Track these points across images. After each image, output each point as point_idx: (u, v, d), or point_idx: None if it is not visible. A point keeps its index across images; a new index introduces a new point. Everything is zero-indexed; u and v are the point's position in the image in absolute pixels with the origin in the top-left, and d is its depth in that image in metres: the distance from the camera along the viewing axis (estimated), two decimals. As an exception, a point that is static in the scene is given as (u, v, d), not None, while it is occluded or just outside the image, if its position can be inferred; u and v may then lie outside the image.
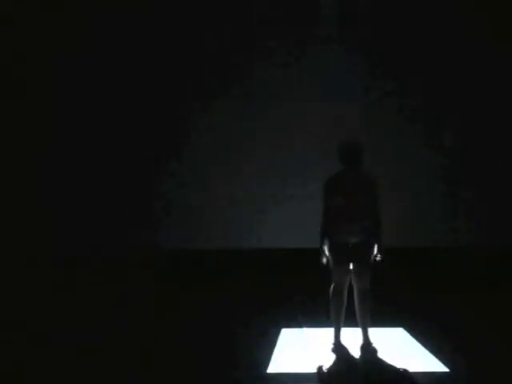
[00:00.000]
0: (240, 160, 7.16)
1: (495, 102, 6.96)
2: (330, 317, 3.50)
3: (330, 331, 3.56)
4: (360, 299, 3.42)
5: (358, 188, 3.40)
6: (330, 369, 3.14)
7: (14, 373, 3.19)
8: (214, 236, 7.11)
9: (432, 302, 5.19)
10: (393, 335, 3.93)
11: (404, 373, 3.05)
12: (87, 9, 7.01)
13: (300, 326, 4.23)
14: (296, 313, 4.68)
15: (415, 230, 6.90)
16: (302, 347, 3.61)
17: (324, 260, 3.49)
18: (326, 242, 3.44)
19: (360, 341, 3.46)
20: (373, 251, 3.40)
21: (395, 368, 3.13)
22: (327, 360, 3.29)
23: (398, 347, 3.60)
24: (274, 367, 3.18)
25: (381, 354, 3.36)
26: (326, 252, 3.46)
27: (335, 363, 3.25)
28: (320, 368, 3.14)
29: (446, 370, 3.10)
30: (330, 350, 3.48)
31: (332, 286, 3.49)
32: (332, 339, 3.52)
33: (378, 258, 3.38)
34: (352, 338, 3.57)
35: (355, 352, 3.41)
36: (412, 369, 3.10)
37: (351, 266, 3.43)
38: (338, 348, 3.47)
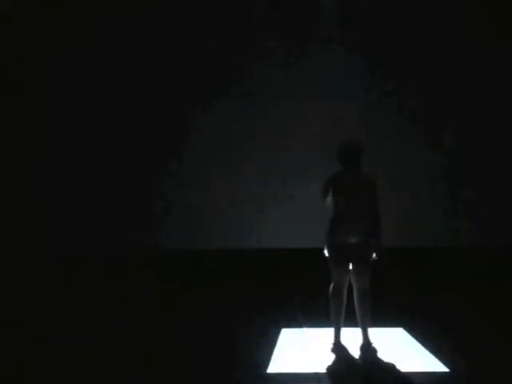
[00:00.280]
0: (240, 160, 7.17)
1: (495, 101, 6.96)
2: (330, 317, 3.50)
3: (330, 331, 3.55)
4: (360, 299, 3.42)
5: (357, 188, 3.40)
6: (329, 369, 3.14)
7: (14, 373, 3.19)
8: (214, 236, 7.11)
9: (432, 301, 5.19)
10: (393, 335, 3.93)
11: (404, 373, 3.05)
12: (87, 9, 7.01)
13: (300, 325, 4.23)
14: (296, 313, 4.68)
15: (415, 229, 6.91)
16: (301, 347, 3.61)
17: (326, 251, 3.48)
18: (326, 241, 3.44)
19: (360, 341, 3.46)
20: (373, 251, 3.40)
21: (395, 368, 3.13)
22: (327, 360, 3.29)
23: (398, 347, 3.60)
24: (274, 367, 3.17)
25: (381, 354, 3.36)
26: (326, 252, 3.46)
27: (335, 363, 3.25)
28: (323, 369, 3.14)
29: (446, 370, 3.10)
30: (330, 349, 3.48)
31: (331, 286, 3.49)
32: (332, 339, 3.52)
33: (374, 257, 3.39)
34: (352, 338, 3.57)
35: (355, 352, 3.41)
36: (412, 369, 3.10)
37: (351, 266, 3.43)
38: (338, 348, 3.47)
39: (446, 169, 7.13)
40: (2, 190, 7.06)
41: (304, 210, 6.47)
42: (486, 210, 7.00)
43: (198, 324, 4.44)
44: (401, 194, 6.73)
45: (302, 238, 6.44)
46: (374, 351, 3.39)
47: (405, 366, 3.15)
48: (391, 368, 3.14)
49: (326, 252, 3.47)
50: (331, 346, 3.51)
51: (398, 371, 3.08)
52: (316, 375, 3.04)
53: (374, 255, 3.39)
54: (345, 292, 3.47)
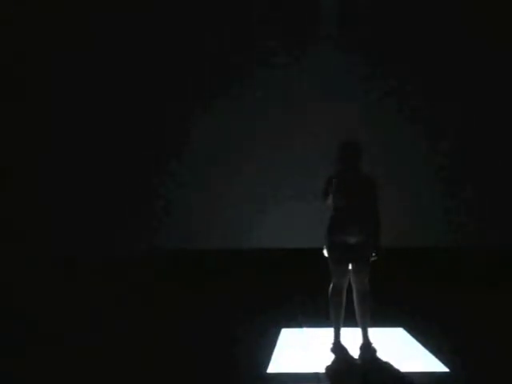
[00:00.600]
0: (240, 160, 7.16)
1: (495, 101, 6.96)
2: (330, 317, 3.50)
3: (330, 331, 3.55)
4: (360, 299, 3.42)
5: (357, 188, 3.40)
6: (329, 369, 3.14)
7: (14, 372, 3.19)
8: (214, 236, 7.11)
9: (432, 301, 5.19)
10: (393, 335, 3.93)
11: (404, 373, 3.05)
12: (87, 9, 7.01)
13: (300, 325, 4.23)
14: (296, 313, 4.68)
15: (415, 230, 6.91)
16: (302, 347, 3.61)
17: (325, 252, 3.48)
18: (326, 241, 3.44)
19: (360, 341, 3.46)
20: (372, 251, 3.40)
21: (395, 368, 3.13)
22: (327, 360, 3.29)
23: (398, 347, 3.60)
24: (274, 367, 3.17)
25: (381, 354, 3.36)
26: (326, 252, 3.46)
27: (335, 363, 3.25)
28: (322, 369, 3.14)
29: (446, 370, 3.10)
30: (330, 349, 3.48)
31: (331, 286, 3.49)
32: (332, 339, 3.52)
33: (373, 257, 3.38)
34: (352, 338, 3.57)
35: (355, 352, 3.41)
36: (412, 369, 3.10)
37: (350, 266, 3.43)
38: (338, 348, 3.47)
39: (446, 169, 7.13)
40: (2, 190, 7.06)
41: (304, 210, 6.47)
42: (486, 210, 7.00)
43: (197, 324, 4.44)
44: (401, 194, 6.73)
45: (302, 238, 6.44)
46: (374, 351, 3.39)
47: (405, 365, 3.15)
48: (391, 368, 3.14)
49: (325, 252, 3.47)
50: (331, 345, 3.51)
51: (398, 371, 3.08)
52: (316, 375, 3.04)
53: (374, 255, 3.39)
54: (344, 292, 3.47)
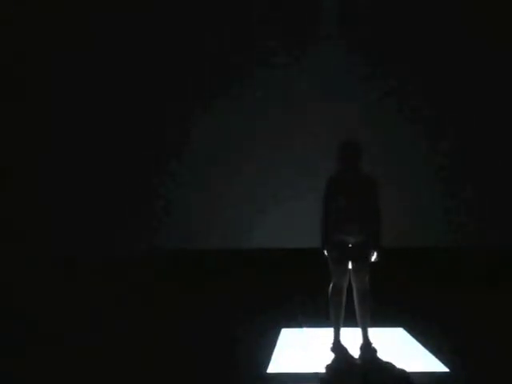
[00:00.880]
0: (240, 160, 7.16)
1: (495, 101, 6.96)
2: (330, 317, 3.50)
3: (330, 331, 3.56)
4: (360, 299, 3.42)
5: (358, 188, 3.40)
6: (329, 369, 3.14)
7: (14, 372, 3.19)
8: (214, 236, 7.11)
9: (432, 301, 5.19)
10: (393, 335, 3.93)
11: (404, 373, 3.05)
12: (87, 9, 7.01)
13: (300, 325, 4.23)
14: (296, 313, 4.68)
15: (415, 230, 6.91)
16: (301, 347, 3.61)
17: (326, 253, 3.47)
18: (326, 241, 3.44)
19: (360, 341, 3.46)
20: (372, 251, 3.39)
21: (395, 368, 3.13)
22: (327, 360, 3.29)
23: (398, 347, 3.60)
24: (274, 367, 3.17)
25: (381, 354, 3.36)
26: (326, 252, 3.46)
27: (335, 363, 3.25)
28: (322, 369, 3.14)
29: (446, 370, 3.10)
30: (330, 349, 3.48)
31: (331, 286, 3.49)
32: (332, 339, 3.52)
33: (374, 259, 3.38)
34: (352, 338, 3.57)
35: (355, 352, 3.41)
36: (412, 369, 3.10)
37: (350, 266, 3.43)
38: (338, 348, 3.47)
39: (445, 169, 7.13)
40: (2, 191, 7.06)
41: (304, 210, 6.47)
42: (486, 210, 7.00)
43: (198, 324, 4.44)
44: (401, 194, 6.73)
45: (302, 238, 6.44)
46: (374, 351, 3.39)
47: (405, 365, 3.15)
48: (391, 368, 3.14)
49: (325, 251, 3.47)
50: (331, 346, 3.51)
51: (398, 371, 3.08)
52: (316, 375, 3.04)
53: (374, 255, 3.39)
54: (345, 292, 3.47)
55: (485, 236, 6.93)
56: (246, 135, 7.15)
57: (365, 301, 3.40)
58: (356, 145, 3.49)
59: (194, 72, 7.23)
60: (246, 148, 7.16)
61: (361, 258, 3.38)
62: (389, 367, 3.15)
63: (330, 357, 3.36)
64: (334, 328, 3.50)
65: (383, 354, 3.36)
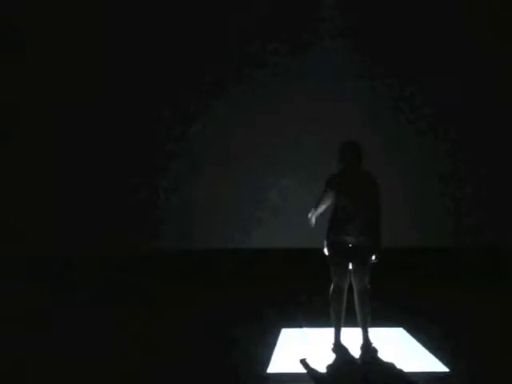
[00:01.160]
0: (240, 160, 7.17)
1: (495, 101, 6.96)
2: (330, 317, 3.50)
3: (330, 331, 3.55)
4: (360, 299, 3.42)
5: (358, 188, 3.40)
6: (329, 369, 3.14)
7: (14, 372, 3.19)
8: (214, 236, 7.11)
9: (432, 301, 5.19)
10: (393, 335, 3.93)
11: (404, 373, 3.05)
12: (87, 8, 7.01)
13: (300, 325, 4.23)
14: (296, 313, 4.68)
15: (415, 229, 6.91)
16: (301, 347, 3.61)
17: (326, 252, 3.47)
18: (326, 241, 3.44)
19: (360, 341, 3.46)
20: (373, 251, 3.39)
21: (395, 368, 3.13)
22: (327, 360, 3.29)
23: (398, 347, 3.60)
24: (274, 367, 3.17)
25: (381, 354, 3.36)
26: (326, 252, 3.46)
27: (335, 363, 3.25)
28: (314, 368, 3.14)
29: (446, 370, 3.10)
30: (330, 350, 3.48)
31: (332, 286, 3.49)
32: (332, 339, 3.52)
33: (374, 259, 3.38)
34: (352, 338, 3.57)
35: (355, 352, 3.41)
36: (412, 369, 3.10)
37: (351, 266, 3.43)
38: (338, 348, 3.47)
39: (445, 169, 7.13)
40: (3, 191, 7.06)
41: (304, 210, 6.46)
42: (486, 209, 7.00)
43: (197, 324, 4.44)
44: (401, 194, 6.73)
45: (302, 238, 6.44)
46: (374, 351, 3.39)
47: (405, 365, 3.15)
48: (391, 368, 3.14)
49: (326, 251, 3.47)
50: (331, 346, 3.51)
51: (398, 371, 3.08)
52: (316, 375, 3.04)
53: (375, 258, 3.39)
54: (345, 292, 3.47)
55: (485, 236, 6.93)
56: (245, 135, 7.15)
57: (365, 301, 3.40)
58: (356, 145, 3.49)
59: (194, 72, 7.23)
60: (246, 147, 7.16)
61: (361, 259, 3.38)
62: (389, 367, 3.15)
63: (330, 357, 3.36)
64: (335, 328, 3.50)
65: (383, 354, 3.35)
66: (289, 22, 7.09)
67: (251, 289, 6.09)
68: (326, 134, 6.57)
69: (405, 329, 4.07)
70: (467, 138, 7.07)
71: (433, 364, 3.22)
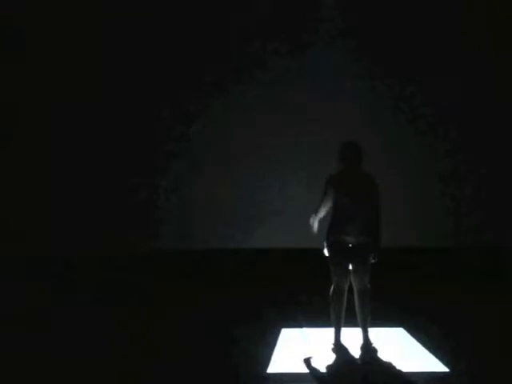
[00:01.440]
0: (240, 160, 7.16)
1: (495, 101, 6.96)
2: (330, 317, 3.50)
3: (330, 331, 3.55)
4: (360, 299, 3.41)
5: (358, 188, 3.40)
6: (329, 369, 3.14)
7: (13, 371, 3.19)
8: (214, 236, 7.11)
9: (432, 301, 5.19)
10: (393, 335, 3.93)
11: (404, 373, 3.05)
12: (87, 9, 7.01)
13: (300, 325, 4.23)
14: (296, 313, 4.68)
15: (415, 229, 6.91)
16: (301, 347, 3.61)
17: (326, 252, 3.47)
18: (326, 241, 3.44)
19: (360, 341, 3.46)
20: (373, 251, 3.39)
21: (395, 368, 3.13)
22: (327, 360, 3.29)
23: (398, 347, 3.60)
24: (274, 367, 3.17)
25: (381, 354, 3.36)
26: (326, 252, 3.46)
27: (335, 363, 3.25)
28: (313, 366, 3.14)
29: (446, 370, 3.10)
30: (330, 350, 3.48)
31: (332, 287, 3.48)
32: (332, 339, 3.52)
33: (373, 260, 3.38)
34: (352, 338, 3.57)
35: (355, 352, 3.41)
36: (412, 369, 3.10)
37: (351, 267, 3.43)
38: (338, 348, 3.47)
39: (445, 169, 7.13)
40: (2, 191, 7.06)
41: (304, 210, 6.46)
42: (486, 209, 7.00)
43: (197, 324, 4.44)
44: (401, 193, 6.73)
45: (302, 238, 6.43)
46: (374, 351, 3.39)
47: (405, 365, 3.15)
48: (391, 368, 3.14)
49: (326, 252, 3.47)
50: (331, 346, 3.51)
51: (398, 371, 3.08)
52: (316, 375, 3.04)
53: (374, 258, 3.39)
54: (345, 292, 3.47)
55: (485, 236, 6.93)
56: (246, 135, 7.15)
57: (365, 301, 3.40)
58: (356, 145, 3.49)
59: (194, 72, 7.23)
60: (246, 147, 7.16)
61: (361, 259, 3.38)
62: (389, 367, 3.15)
63: (330, 357, 3.36)
64: (335, 328, 3.50)
65: (383, 354, 3.35)
66: (289, 22, 7.09)
67: (251, 289, 6.09)
68: (326, 134, 6.57)
69: (405, 329, 4.07)
70: (467, 138, 7.07)
71: (433, 364, 3.22)
